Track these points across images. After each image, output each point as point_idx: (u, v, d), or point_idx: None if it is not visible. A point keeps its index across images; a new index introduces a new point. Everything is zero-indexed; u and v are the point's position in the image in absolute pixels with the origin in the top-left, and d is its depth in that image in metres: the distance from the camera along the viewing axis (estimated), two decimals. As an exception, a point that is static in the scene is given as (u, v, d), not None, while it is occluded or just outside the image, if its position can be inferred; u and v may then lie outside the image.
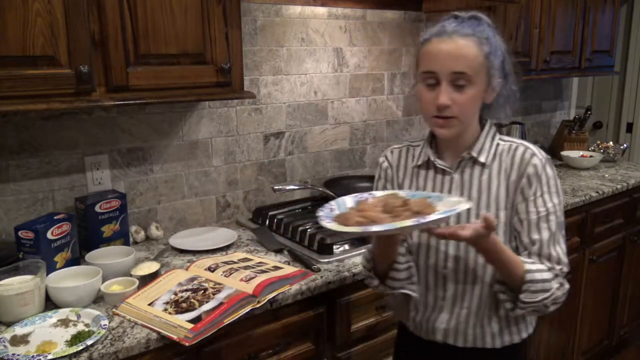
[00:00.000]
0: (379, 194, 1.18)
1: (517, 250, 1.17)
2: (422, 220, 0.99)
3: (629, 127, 3.76)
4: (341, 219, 1.06)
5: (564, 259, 1.16)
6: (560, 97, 3.49)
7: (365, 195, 1.18)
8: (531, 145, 1.20)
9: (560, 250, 1.16)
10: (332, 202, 1.16)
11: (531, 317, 1.30)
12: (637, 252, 2.85)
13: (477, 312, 1.22)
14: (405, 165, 1.30)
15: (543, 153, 1.19)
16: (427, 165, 1.26)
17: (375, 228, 1.00)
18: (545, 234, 1.14)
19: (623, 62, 3.70)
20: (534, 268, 1.10)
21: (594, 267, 2.57)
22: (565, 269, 1.16)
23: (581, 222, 2.43)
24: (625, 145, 3.18)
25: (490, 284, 1.20)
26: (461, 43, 1.11)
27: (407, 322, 1.34)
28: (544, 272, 1.11)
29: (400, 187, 1.30)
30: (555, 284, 1.12)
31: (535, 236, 1.15)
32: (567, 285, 1.15)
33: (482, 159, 1.19)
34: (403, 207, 1.06)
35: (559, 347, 2.55)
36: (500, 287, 1.16)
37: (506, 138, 1.23)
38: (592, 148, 3.14)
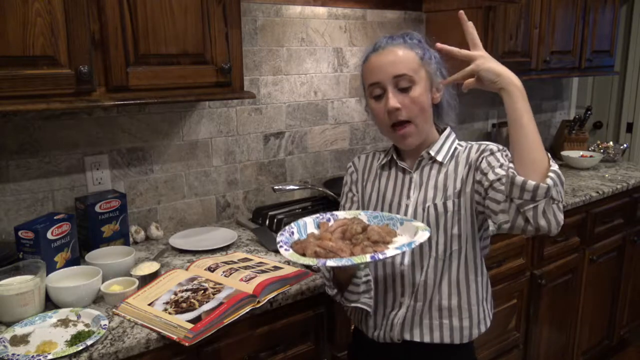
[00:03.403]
0: (341, 215, 1.22)
1: (492, 214, 1.12)
2: (378, 257, 1.02)
3: (629, 127, 3.76)
4: (299, 247, 1.07)
5: None
6: (560, 97, 3.49)
7: (327, 215, 1.22)
8: (482, 142, 1.27)
9: None
10: (293, 225, 1.18)
11: (488, 310, 1.33)
12: (637, 252, 2.85)
13: (435, 305, 1.25)
14: (370, 167, 1.37)
15: (500, 146, 1.23)
16: (390, 165, 1.33)
17: (330, 263, 1.00)
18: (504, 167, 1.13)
19: (623, 62, 3.70)
20: None
21: (594, 267, 2.57)
22: None
23: (581, 222, 2.43)
24: (625, 145, 3.18)
25: (452, 276, 1.24)
26: (395, 50, 1.21)
27: (364, 327, 1.34)
28: None
29: (365, 188, 1.35)
30: None
31: (501, 171, 1.13)
32: None
33: (439, 157, 1.26)
34: (362, 235, 1.09)
35: (559, 347, 2.55)
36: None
37: (464, 143, 1.30)
38: (592, 148, 3.14)
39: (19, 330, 1.23)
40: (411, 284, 1.26)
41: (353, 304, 1.24)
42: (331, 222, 1.19)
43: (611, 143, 3.13)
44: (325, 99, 2.27)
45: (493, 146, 1.22)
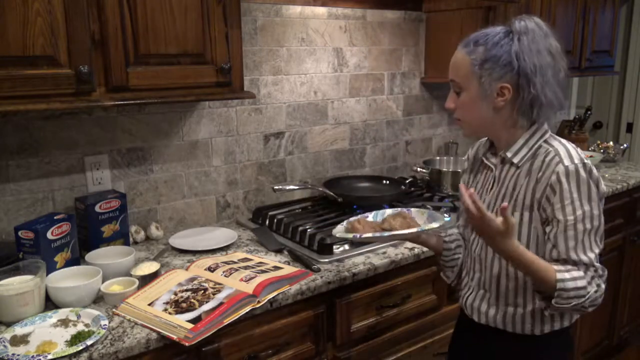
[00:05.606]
0: (413, 210, 1.44)
1: (551, 252, 1.18)
2: (356, 236, 1.31)
3: (629, 127, 3.76)
4: (350, 226, 1.38)
5: (596, 264, 1.16)
6: (560, 97, 3.48)
7: (405, 209, 1.45)
8: (562, 151, 1.19)
9: (592, 255, 1.16)
10: (373, 212, 1.45)
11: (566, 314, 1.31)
12: (637, 252, 2.85)
13: (498, 295, 1.30)
14: (478, 157, 1.41)
15: (576, 158, 1.17)
16: (482, 160, 1.37)
17: (335, 232, 1.38)
18: (571, 242, 1.15)
19: (623, 62, 3.70)
20: (567, 277, 1.12)
21: (594, 267, 2.57)
22: (601, 272, 1.17)
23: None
24: (625, 145, 3.18)
25: (510, 276, 1.27)
26: (457, 54, 1.25)
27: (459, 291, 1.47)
28: (579, 280, 1.12)
29: (471, 176, 1.42)
30: (592, 288, 1.14)
31: (561, 243, 1.16)
32: (603, 286, 1.17)
33: (515, 159, 1.25)
34: (401, 222, 1.35)
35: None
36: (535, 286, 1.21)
37: (555, 142, 1.23)
38: (592, 148, 3.14)
39: (19, 330, 1.23)
40: (480, 270, 1.34)
41: (450, 257, 1.43)
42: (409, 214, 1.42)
43: (611, 143, 3.13)
44: (325, 99, 2.27)
45: (561, 175, 1.16)
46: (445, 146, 2.78)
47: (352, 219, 1.42)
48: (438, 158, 2.62)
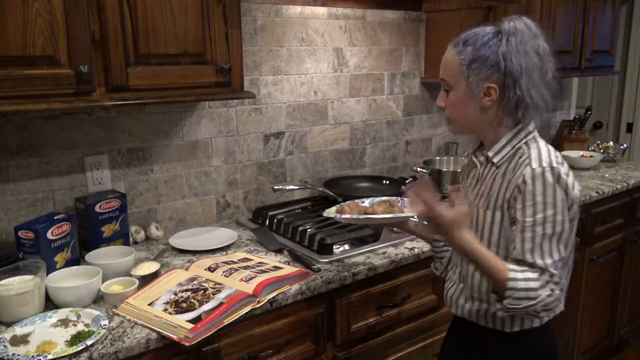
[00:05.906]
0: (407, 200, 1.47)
1: (512, 251, 1.19)
2: (337, 216, 1.39)
3: (629, 127, 3.76)
4: (340, 208, 1.44)
5: (552, 270, 1.14)
6: (560, 97, 3.49)
7: (399, 199, 1.50)
8: (534, 153, 1.19)
9: (549, 261, 1.14)
10: (371, 198, 1.51)
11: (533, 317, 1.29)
12: (637, 252, 2.85)
13: (473, 290, 1.32)
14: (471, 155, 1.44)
15: (544, 161, 1.17)
16: (472, 157, 1.39)
17: (325, 213, 1.47)
18: (528, 244, 1.15)
19: (623, 62, 3.70)
20: (520, 277, 1.12)
21: (594, 267, 2.57)
22: (557, 279, 1.14)
23: (581, 222, 2.41)
24: (625, 145, 3.18)
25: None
26: (447, 53, 1.26)
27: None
28: (531, 281, 1.12)
29: (467, 175, 1.43)
30: (545, 292, 1.12)
31: (518, 243, 1.16)
32: (557, 292, 1.14)
33: (495, 159, 1.27)
34: (385, 208, 1.41)
35: (559, 347, 2.55)
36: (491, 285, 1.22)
37: (533, 144, 1.23)
38: (592, 148, 3.14)
39: (19, 330, 1.23)
40: (460, 264, 1.37)
41: (440, 248, 1.48)
42: (400, 204, 1.46)
43: (611, 143, 3.13)
44: (325, 99, 2.27)
45: (527, 177, 1.16)
46: (445, 146, 2.78)
47: (347, 202, 1.46)
48: (438, 158, 2.62)
